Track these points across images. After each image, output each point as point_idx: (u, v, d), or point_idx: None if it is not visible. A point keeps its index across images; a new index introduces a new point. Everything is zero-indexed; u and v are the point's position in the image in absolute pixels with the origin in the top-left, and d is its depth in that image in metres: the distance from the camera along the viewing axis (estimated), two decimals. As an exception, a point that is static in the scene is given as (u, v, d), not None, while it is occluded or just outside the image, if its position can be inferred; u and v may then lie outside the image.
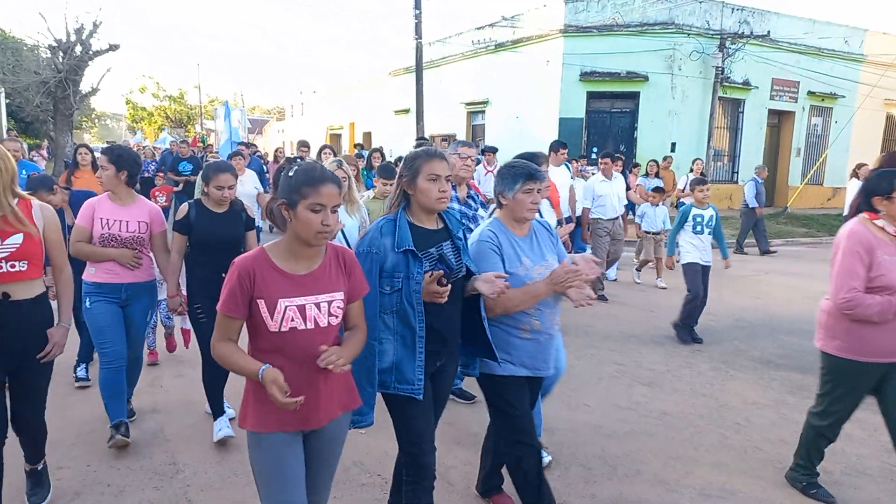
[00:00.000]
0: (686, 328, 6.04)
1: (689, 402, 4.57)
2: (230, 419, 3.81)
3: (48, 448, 3.08)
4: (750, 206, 11.83)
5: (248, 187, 7.77)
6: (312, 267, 2.03)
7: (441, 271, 2.31)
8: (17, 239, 2.61)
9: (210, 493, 3.21)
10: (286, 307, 1.95)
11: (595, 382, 4.92)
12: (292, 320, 1.96)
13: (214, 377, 3.75)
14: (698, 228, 6.04)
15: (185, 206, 3.70)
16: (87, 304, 3.56)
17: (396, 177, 2.50)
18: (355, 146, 18.87)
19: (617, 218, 7.64)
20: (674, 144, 16.00)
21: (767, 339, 6.16)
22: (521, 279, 2.58)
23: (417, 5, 15.82)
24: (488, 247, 2.60)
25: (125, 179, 3.58)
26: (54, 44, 16.30)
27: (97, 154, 3.25)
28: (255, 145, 12.95)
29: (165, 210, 10.77)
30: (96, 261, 3.60)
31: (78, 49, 16.41)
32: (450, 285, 2.33)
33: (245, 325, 2.04)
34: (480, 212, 4.19)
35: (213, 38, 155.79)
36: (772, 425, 4.19)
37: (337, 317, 2.05)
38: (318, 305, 2.00)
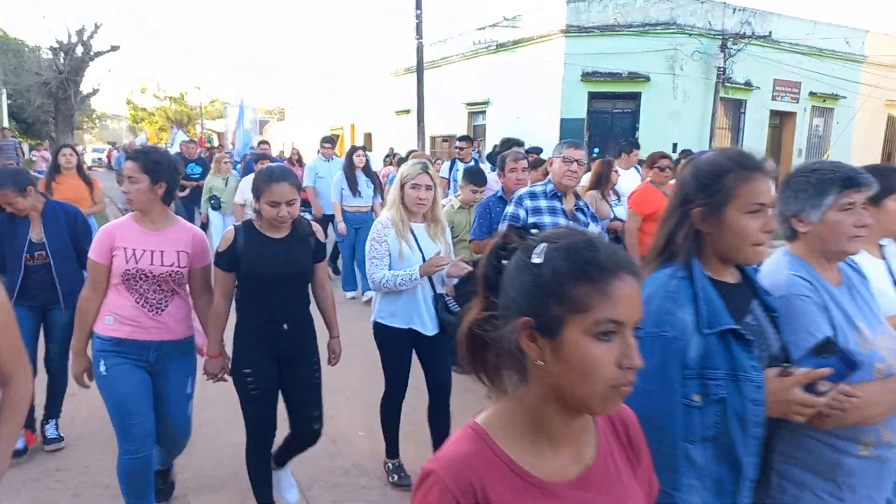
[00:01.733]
0: None
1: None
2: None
3: (48, 454, 3.06)
4: None
5: None
6: (583, 456, 0.99)
7: (813, 369, 1.38)
8: None
9: (209, 496, 3.19)
10: None
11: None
12: None
13: (260, 470, 2.91)
14: None
15: (230, 232, 2.69)
16: (102, 368, 2.60)
17: (677, 203, 1.52)
18: (293, 150, 18.40)
19: None
20: (675, 145, 15.97)
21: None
22: (867, 360, 1.51)
23: (418, 6, 15.81)
24: (811, 304, 1.56)
25: (162, 194, 2.64)
26: (56, 45, 16.32)
27: (127, 164, 2.55)
28: (267, 143, 11.97)
29: None
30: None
31: (79, 50, 16.44)
32: (828, 390, 1.40)
33: None
34: (592, 227, 3.51)
35: (212, 40, 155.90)
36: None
37: None
38: None
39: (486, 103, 19.74)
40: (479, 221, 4.27)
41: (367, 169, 7.33)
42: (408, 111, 21.14)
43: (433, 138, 21.12)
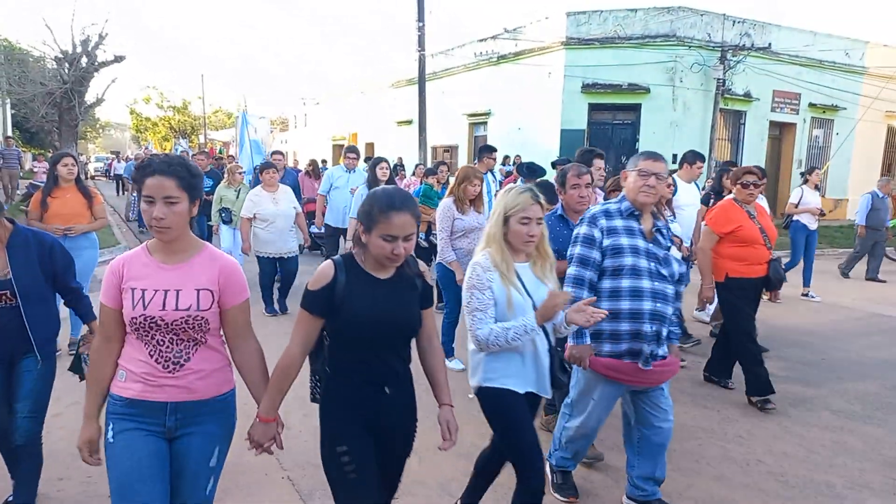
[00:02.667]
0: (687, 337, 6.01)
1: (691, 413, 4.56)
2: None
3: (48, 459, 3.08)
4: (858, 222, 10.33)
5: (284, 206, 6.79)
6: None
7: None
8: None
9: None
10: None
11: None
12: None
13: None
14: None
15: (328, 268, 2.14)
16: (109, 434, 2.09)
17: None
18: (366, 160, 18.75)
19: None
20: (675, 156, 16.01)
21: (769, 352, 6.15)
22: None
23: (420, 18, 15.93)
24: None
25: (196, 215, 2.19)
26: (60, 55, 16.42)
27: (156, 180, 1.99)
28: (281, 154, 10.52)
29: None
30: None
31: (84, 60, 16.54)
32: None
33: None
34: (674, 252, 3.25)
35: (215, 50, 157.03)
36: (773, 438, 4.18)
37: None
38: None
39: (487, 114, 19.84)
40: None
41: (390, 182, 6.70)
42: (410, 122, 21.23)
43: (434, 148, 21.20)
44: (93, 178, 35.32)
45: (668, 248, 3.05)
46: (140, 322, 2.03)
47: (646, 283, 2.89)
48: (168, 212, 1.98)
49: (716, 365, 5.17)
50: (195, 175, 2.06)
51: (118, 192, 24.25)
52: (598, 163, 4.68)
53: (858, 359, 6.03)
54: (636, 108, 16.58)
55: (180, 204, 2.00)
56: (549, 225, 3.64)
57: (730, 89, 16.66)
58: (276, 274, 6.97)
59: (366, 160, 18.65)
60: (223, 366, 2.21)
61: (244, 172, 8.71)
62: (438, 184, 8.14)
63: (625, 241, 2.95)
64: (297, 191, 8.77)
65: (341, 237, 7.64)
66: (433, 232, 6.80)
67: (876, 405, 4.82)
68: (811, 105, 18.38)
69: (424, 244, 7.29)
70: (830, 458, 3.90)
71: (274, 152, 10.17)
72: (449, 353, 5.23)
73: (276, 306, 7.02)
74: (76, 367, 2.87)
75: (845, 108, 18.58)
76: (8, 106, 25.31)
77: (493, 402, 2.60)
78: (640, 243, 2.94)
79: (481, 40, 19.77)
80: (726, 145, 17.92)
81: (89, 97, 17.65)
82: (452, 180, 5.40)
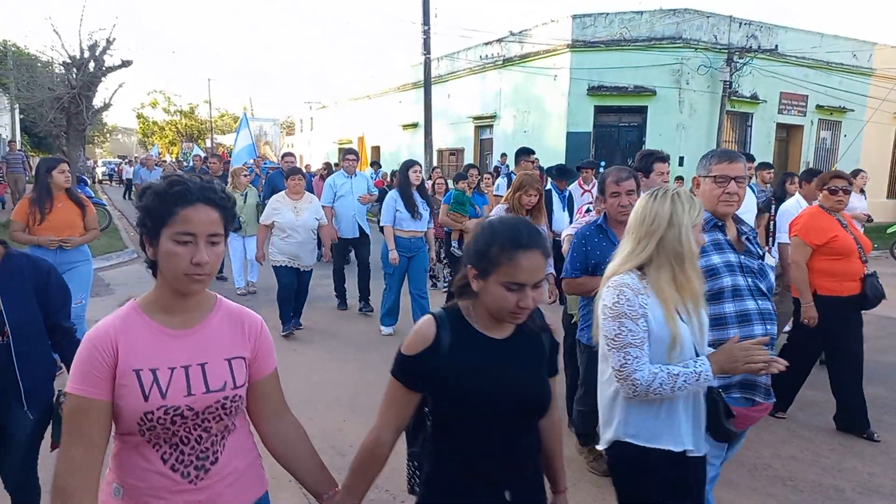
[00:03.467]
0: None
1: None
2: None
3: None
4: None
5: (305, 217, 6.20)
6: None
7: None
8: None
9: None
10: None
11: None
12: None
13: None
14: None
15: (429, 326, 1.63)
16: None
17: None
18: (371, 164, 18.83)
19: None
20: (682, 158, 16.01)
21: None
22: None
23: (426, 21, 15.98)
24: None
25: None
26: (68, 60, 16.53)
27: (201, 211, 1.43)
28: (292, 155, 9.71)
29: None
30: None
31: (91, 65, 16.64)
32: None
33: None
34: (769, 259, 2.92)
35: (216, 51, 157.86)
36: (781, 442, 4.16)
37: None
38: None
39: (493, 117, 19.86)
40: (573, 255, 3.35)
41: (422, 188, 6.36)
42: (415, 125, 21.29)
43: (440, 151, 21.25)
44: (100, 182, 35.58)
45: (762, 257, 2.54)
46: (157, 419, 1.42)
47: (751, 305, 2.37)
48: (213, 255, 1.44)
49: (848, 408, 4.38)
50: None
51: (125, 196, 24.55)
52: (661, 167, 4.08)
53: (866, 362, 5.98)
54: (642, 110, 16.56)
55: (221, 245, 1.49)
56: (587, 236, 3.33)
57: (736, 91, 16.62)
58: (294, 286, 6.29)
59: (371, 164, 18.77)
60: (254, 458, 1.65)
61: (249, 176, 8.40)
62: (469, 188, 7.72)
63: (716, 258, 2.42)
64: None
65: (352, 248, 7.38)
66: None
67: (884, 409, 4.80)
68: (819, 107, 18.30)
69: (458, 253, 6.89)
70: (839, 463, 3.87)
71: (285, 154, 9.50)
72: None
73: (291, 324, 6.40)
74: (56, 430, 2.24)
75: (853, 110, 18.49)
76: (17, 111, 25.51)
77: (638, 467, 2.02)
78: (733, 257, 2.43)
79: (487, 43, 19.80)
80: (733, 147, 17.87)
81: (97, 102, 17.76)
82: (506, 189, 4.99)
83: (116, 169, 38.07)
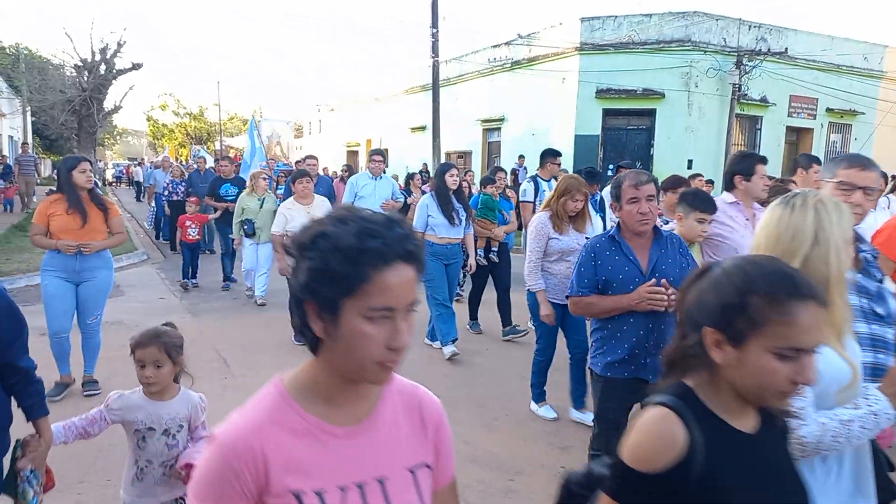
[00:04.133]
0: None
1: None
2: None
3: (70, 461, 3.10)
4: None
5: None
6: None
7: None
8: None
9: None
10: None
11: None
12: None
13: None
14: None
15: (669, 424, 1.14)
16: None
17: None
18: (343, 167, 17.59)
19: None
20: (690, 161, 15.96)
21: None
22: None
23: (434, 24, 16.01)
24: None
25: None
26: (80, 63, 16.68)
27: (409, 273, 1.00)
28: (315, 158, 9.06)
29: (196, 246, 8.47)
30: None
31: (102, 68, 16.78)
32: None
33: None
34: (890, 285, 2.38)
35: (230, 59, 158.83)
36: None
37: None
38: None
39: (501, 120, 19.87)
40: (580, 270, 2.96)
41: (459, 192, 5.94)
42: (423, 128, 21.32)
43: (448, 154, 21.27)
44: (111, 184, 35.84)
45: (882, 280, 2.16)
46: None
47: (862, 328, 1.97)
48: (410, 332, 1.03)
49: None
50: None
51: (138, 197, 24.73)
52: (761, 169, 3.60)
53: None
54: (651, 113, 16.52)
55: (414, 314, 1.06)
56: (597, 248, 2.93)
57: (746, 94, 16.56)
58: None
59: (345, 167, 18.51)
60: None
61: (267, 179, 8.04)
62: (497, 192, 7.15)
63: None
64: (332, 199, 7.62)
65: None
66: (493, 249, 6.41)
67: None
68: (829, 110, 18.21)
69: (483, 262, 6.44)
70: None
71: (307, 157, 9.07)
72: (539, 397, 4.47)
73: None
74: (10, 489, 2.02)
75: (863, 113, 18.38)
76: (28, 113, 25.77)
77: None
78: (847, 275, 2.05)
79: (495, 46, 19.82)
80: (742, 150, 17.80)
81: (107, 104, 17.90)
82: (550, 192, 4.61)
83: (125, 171, 38.35)
